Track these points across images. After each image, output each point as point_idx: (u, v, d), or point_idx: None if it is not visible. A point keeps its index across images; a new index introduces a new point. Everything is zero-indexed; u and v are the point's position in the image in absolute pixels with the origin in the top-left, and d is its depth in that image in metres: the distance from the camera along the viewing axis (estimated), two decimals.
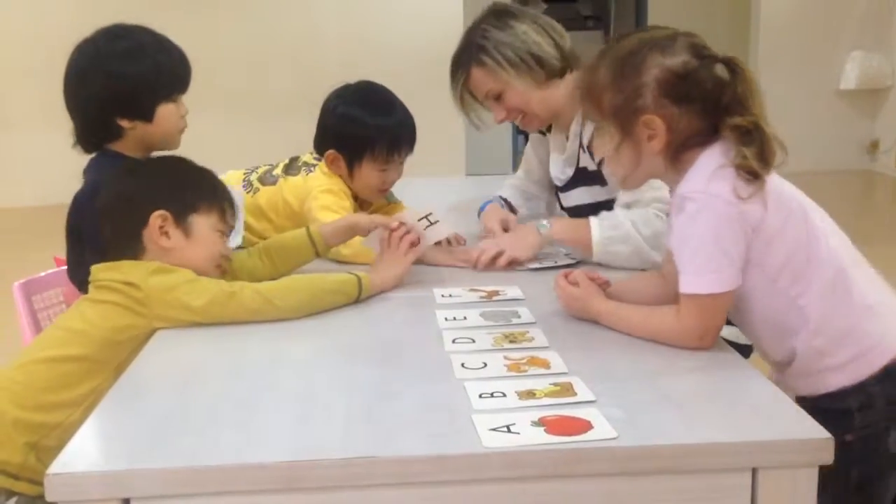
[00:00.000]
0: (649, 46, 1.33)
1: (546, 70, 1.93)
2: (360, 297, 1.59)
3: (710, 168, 1.30)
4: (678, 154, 1.34)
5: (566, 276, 1.49)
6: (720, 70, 1.31)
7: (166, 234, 1.52)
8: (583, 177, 1.98)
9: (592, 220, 1.78)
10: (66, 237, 1.77)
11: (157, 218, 1.51)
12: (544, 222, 1.83)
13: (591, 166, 1.94)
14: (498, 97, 1.96)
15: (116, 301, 1.46)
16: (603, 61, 1.37)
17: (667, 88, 1.31)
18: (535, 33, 1.92)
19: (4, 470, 1.38)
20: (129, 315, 1.45)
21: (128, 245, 1.53)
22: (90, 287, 1.53)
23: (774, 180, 1.32)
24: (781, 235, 1.31)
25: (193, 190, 1.58)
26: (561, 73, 1.95)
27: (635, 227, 1.73)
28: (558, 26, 1.98)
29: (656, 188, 1.76)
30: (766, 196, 1.29)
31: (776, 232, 1.30)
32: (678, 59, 1.32)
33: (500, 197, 2.19)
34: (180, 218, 1.54)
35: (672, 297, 1.45)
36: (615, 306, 1.42)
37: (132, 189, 1.56)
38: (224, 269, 1.61)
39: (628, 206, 1.78)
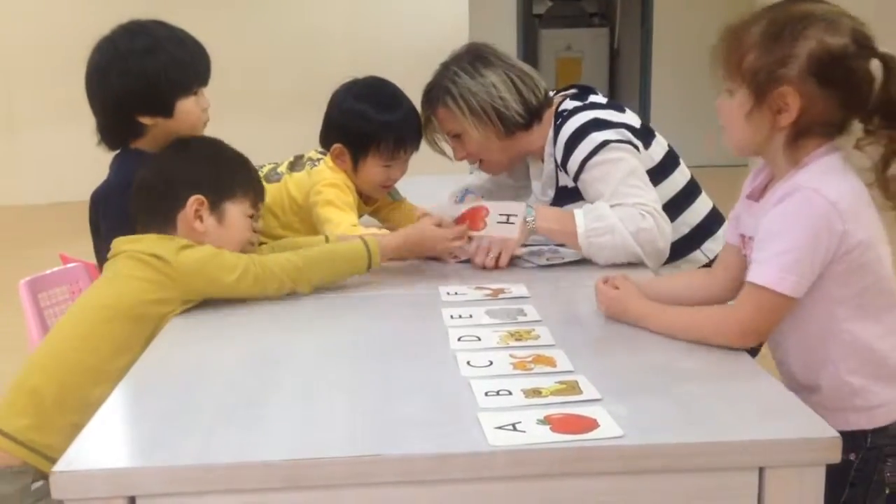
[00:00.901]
0: (815, 19, 1.25)
1: (506, 126, 1.91)
2: (371, 258, 1.64)
3: (836, 169, 1.27)
4: (798, 138, 1.28)
5: (606, 280, 1.46)
6: (875, 66, 1.25)
7: (200, 218, 1.57)
8: (564, 195, 1.96)
9: (577, 211, 1.77)
10: (90, 232, 1.79)
11: (194, 202, 1.57)
12: (529, 209, 1.81)
13: (571, 184, 1.92)
14: (458, 137, 1.97)
15: (144, 275, 1.49)
16: (759, 20, 1.29)
17: (817, 66, 1.24)
18: (503, 87, 1.90)
19: (47, 455, 1.37)
20: (158, 289, 1.49)
21: (160, 222, 1.57)
22: (111, 261, 1.55)
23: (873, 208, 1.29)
24: (864, 268, 1.27)
25: (231, 176, 1.64)
26: (526, 127, 1.93)
27: (621, 222, 1.72)
28: (532, 77, 1.95)
29: (639, 196, 1.76)
30: (871, 221, 1.27)
31: (862, 263, 1.27)
32: (839, 40, 1.24)
33: (468, 191, 2.18)
34: (215, 204, 1.59)
35: (720, 296, 1.43)
36: (659, 308, 1.39)
37: (173, 170, 1.61)
38: (248, 253, 1.64)
39: (611, 207, 1.76)
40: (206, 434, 1.07)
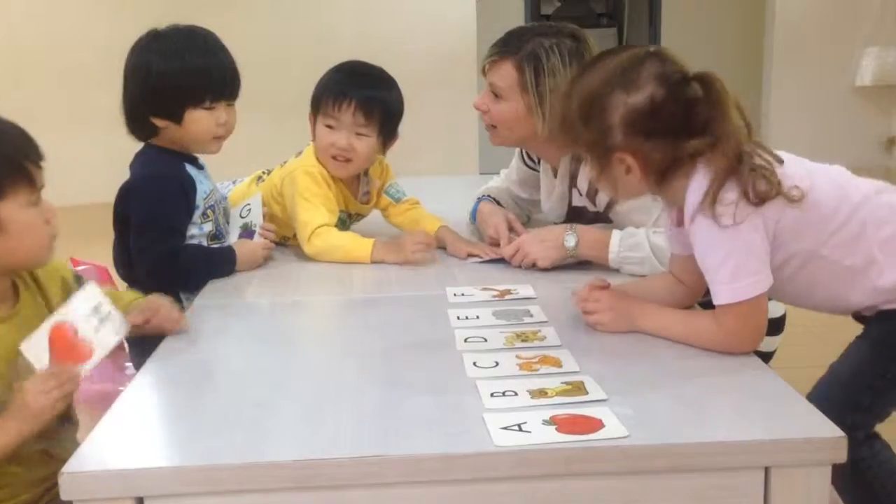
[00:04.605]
0: (613, 84, 1.30)
1: (548, 128, 1.83)
2: None
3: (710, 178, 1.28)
4: (662, 179, 1.33)
5: (586, 296, 1.43)
6: (694, 89, 1.28)
7: None
8: (578, 216, 1.92)
9: (613, 240, 1.72)
10: (113, 226, 1.85)
11: None
12: (571, 235, 1.76)
13: (591, 207, 1.89)
14: (498, 97, 1.90)
15: None
16: (574, 94, 1.35)
17: (634, 127, 1.29)
18: None
19: None
20: None
21: None
22: None
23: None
24: (806, 217, 1.32)
25: None
26: (561, 144, 1.83)
27: (655, 251, 1.67)
28: None
29: None
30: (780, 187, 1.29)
31: (799, 218, 1.31)
32: (643, 94, 1.29)
33: (489, 196, 2.14)
34: None
35: (690, 299, 1.45)
36: (658, 308, 1.39)
37: None
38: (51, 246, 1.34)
39: (655, 234, 1.71)
40: (214, 435, 1.08)
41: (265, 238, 1.90)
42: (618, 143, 1.30)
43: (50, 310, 1.33)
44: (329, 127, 1.91)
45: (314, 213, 1.90)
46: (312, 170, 1.94)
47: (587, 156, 1.37)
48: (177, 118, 1.76)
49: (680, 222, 1.39)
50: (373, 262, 1.84)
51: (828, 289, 1.41)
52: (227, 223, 1.95)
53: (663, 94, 1.28)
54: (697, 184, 1.30)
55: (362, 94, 1.90)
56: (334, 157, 1.93)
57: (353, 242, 1.88)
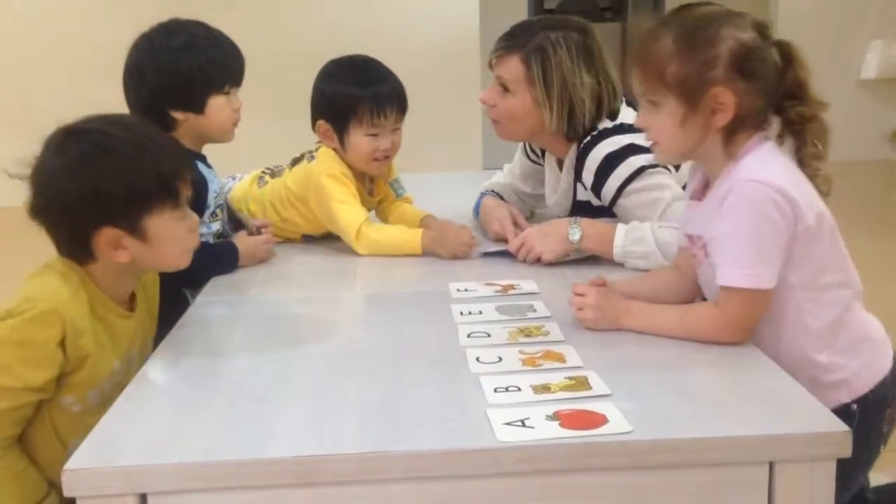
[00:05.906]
0: (722, 18, 1.30)
1: (557, 124, 1.85)
2: None
3: (771, 156, 1.29)
4: (732, 135, 1.31)
5: (575, 290, 1.41)
6: (774, 54, 1.30)
7: (122, 247, 1.34)
8: (582, 211, 1.90)
9: (618, 234, 1.72)
10: None
11: (107, 237, 1.33)
12: (576, 228, 1.75)
13: (595, 202, 1.87)
14: (506, 90, 1.89)
15: None
16: (667, 30, 1.31)
17: (739, 62, 1.27)
18: (589, 94, 1.83)
19: None
20: None
21: (79, 251, 1.36)
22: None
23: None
24: (815, 249, 1.30)
25: (139, 190, 1.33)
26: (569, 138, 1.88)
27: (659, 246, 1.67)
28: (616, 93, 1.87)
29: None
30: (816, 197, 1.29)
31: (814, 239, 1.29)
32: (749, 33, 1.29)
33: (493, 191, 2.14)
34: (133, 228, 1.34)
35: (692, 292, 1.44)
36: (643, 306, 1.37)
37: (74, 196, 1.31)
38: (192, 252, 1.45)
39: (660, 228, 1.69)
40: (216, 431, 1.07)
41: (264, 234, 1.90)
42: (719, 77, 1.27)
43: (151, 313, 1.52)
44: (371, 136, 1.93)
45: (352, 212, 1.91)
46: (334, 172, 1.94)
47: (671, 97, 1.30)
48: (199, 108, 1.78)
49: (700, 195, 1.37)
50: (424, 255, 1.86)
51: (791, 340, 1.34)
52: (231, 221, 1.95)
53: (761, 42, 1.29)
54: (755, 155, 1.29)
55: (399, 100, 1.94)
56: (376, 160, 1.96)
57: (402, 237, 1.90)
